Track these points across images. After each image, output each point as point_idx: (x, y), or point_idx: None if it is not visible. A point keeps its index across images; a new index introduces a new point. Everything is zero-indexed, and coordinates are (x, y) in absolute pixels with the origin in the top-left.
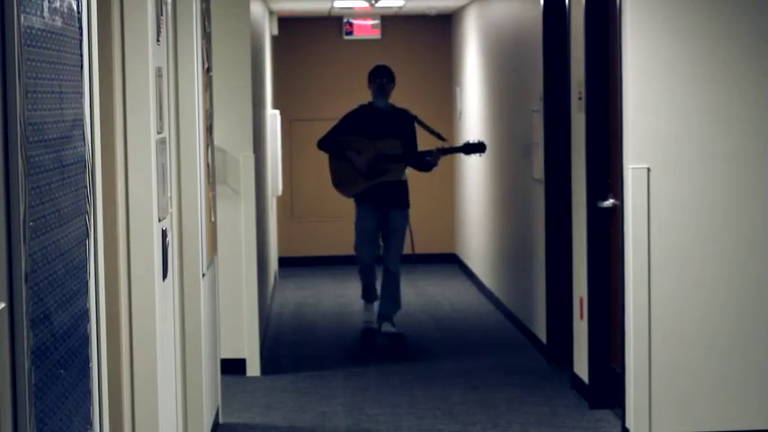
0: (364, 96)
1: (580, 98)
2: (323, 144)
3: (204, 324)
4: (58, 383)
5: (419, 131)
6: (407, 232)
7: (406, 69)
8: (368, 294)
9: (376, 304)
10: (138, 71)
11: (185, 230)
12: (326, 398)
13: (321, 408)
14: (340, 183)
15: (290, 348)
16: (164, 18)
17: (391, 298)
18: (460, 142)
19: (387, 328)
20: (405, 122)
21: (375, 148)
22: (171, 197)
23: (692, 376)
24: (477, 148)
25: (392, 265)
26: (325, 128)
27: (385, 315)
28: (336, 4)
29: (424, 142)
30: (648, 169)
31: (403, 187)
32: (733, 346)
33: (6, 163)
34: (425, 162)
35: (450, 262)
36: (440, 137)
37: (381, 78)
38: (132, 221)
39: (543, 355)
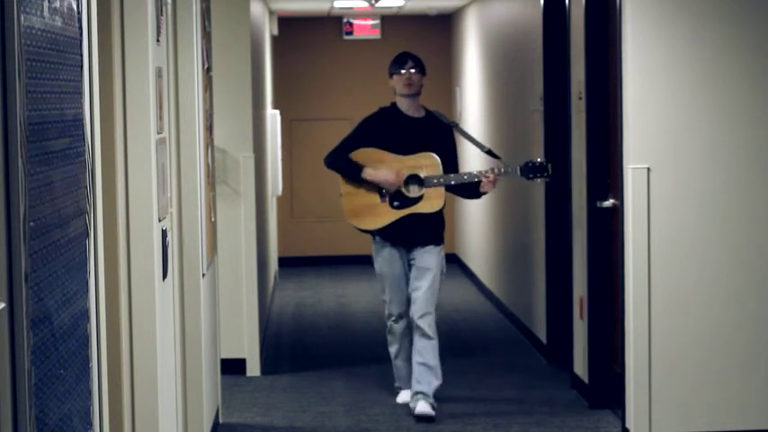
0: (364, 96)
1: (580, 98)
2: (332, 161)
3: (204, 324)
4: (57, 383)
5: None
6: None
7: None
8: (402, 377)
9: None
10: (138, 71)
11: (185, 230)
12: (326, 398)
13: (321, 408)
14: (358, 213)
15: (290, 348)
16: (164, 18)
17: (428, 368)
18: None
19: (423, 409)
20: (442, 131)
21: (405, 167)
22: (171, 197)
23: (691, 376)
24: (540, 170)
25: (425, 322)
26: (324, 128)
27: (421, 392)
28: (336, 4)
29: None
30: (648, 169)
31: (439, 220)
32: (733, 347)
33: (6, 163)
34: (473, 187)
35: (451, 262)
36: (490, 153)
37: (408, 68)
38: (132, 221)
39: (543, 354)
